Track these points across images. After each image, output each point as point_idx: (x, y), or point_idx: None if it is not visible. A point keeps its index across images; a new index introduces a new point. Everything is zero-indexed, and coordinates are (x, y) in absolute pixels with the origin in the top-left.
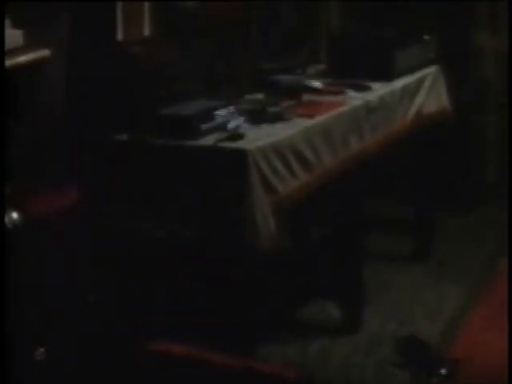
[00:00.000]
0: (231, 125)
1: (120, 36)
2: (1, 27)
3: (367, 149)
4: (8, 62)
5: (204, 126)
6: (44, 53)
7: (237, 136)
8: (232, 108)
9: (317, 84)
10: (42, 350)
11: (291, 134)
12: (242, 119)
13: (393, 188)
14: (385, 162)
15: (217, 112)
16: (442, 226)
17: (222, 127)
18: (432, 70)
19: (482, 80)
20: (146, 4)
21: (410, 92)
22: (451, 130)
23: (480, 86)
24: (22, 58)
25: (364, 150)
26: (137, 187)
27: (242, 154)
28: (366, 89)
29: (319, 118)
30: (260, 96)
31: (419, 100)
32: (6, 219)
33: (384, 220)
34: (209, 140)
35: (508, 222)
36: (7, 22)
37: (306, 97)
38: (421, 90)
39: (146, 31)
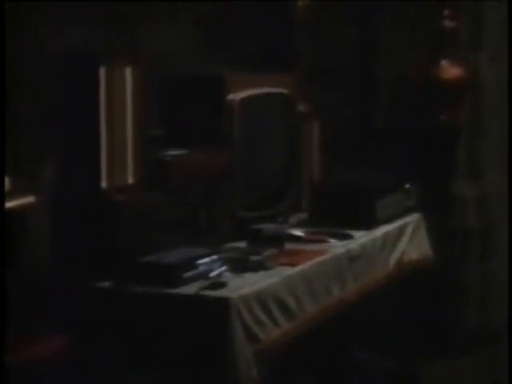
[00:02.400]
0: (214, 273)
1: (104, 183)
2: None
3: (350, 297)
4: None
5: (186, 275)
6: (29, 199)
7: (219, 284)
8: (214, 256)
9: (298, 233)
10: None
11: (273, 283)
12: (224, 268)
13: (376, 338)
14: (367, 311)
15: (199, 260)
16: (427, 375)
17: (204, 275)
18: (413, 217)
19: (463, 228)
20: (130, 152)
21: (391, 240)
22: (434, 277)
23: (461, 234)
24: (8, 205)
25: (346, 298)
26: (119, 335)
27: (224, 302)
28: (348, 237)
29: (301, 267)
30: (242, 245)
31: (400, 248)
32: None
33: (369, 371)
34: (191, 288)
35: None
36: None
37: (288, 245)
38: (402, 238)
39: (130, 179)
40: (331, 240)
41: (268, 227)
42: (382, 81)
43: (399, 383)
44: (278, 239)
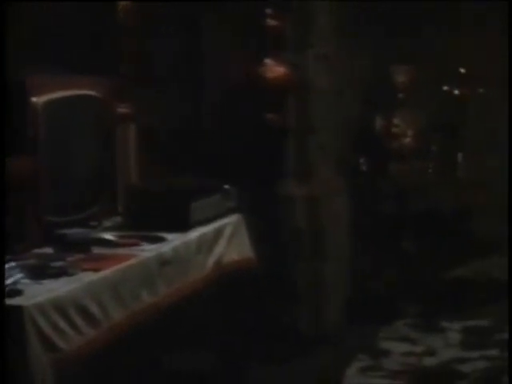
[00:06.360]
0: (9, 281)
1: None
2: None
3: (162, 301)
4: None
5: None
6: None
7: (14, 292)
8: (12, 263)
9: (109, 237)
10: None
11: (73, 289)
12: (21, 275)
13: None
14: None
15: None
16: (258, 379)
17: None
18: (233, 219)
19: (292, 228)
20: None
21: (207, 242)
22: (262, 278)
23: (291, 234)
24: None
25: (158, 302)
26: None
27: (17, 310)
28: (160, 240)
29: (105, 272)
30: (49, 250)
31: (218, 250)
32: None
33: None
34: None
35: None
36: None
37: (97, 250)
38: (220, 240)
39: None
40: (143, 244)
41: (74, 232)
42: (207, 82)
43: None
44: (85, 244)
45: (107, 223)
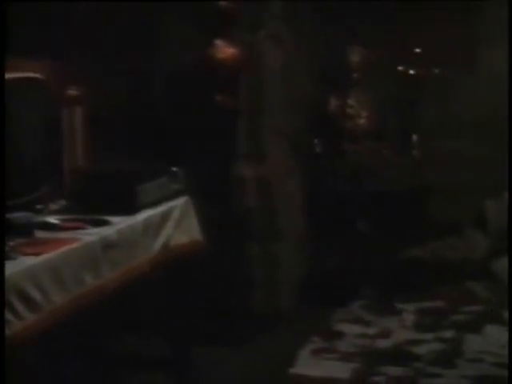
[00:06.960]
0: None
1: None
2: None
3: (107, 285)
4: None
5: None
6: None
7: None
8: None
9: (53, 220)
10: None
11: (12, 274)
12: None
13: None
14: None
15: None
16: (212, 362)
17: None
18: (181, 201)
19: (244, 210)
20: None
21: (154, 225)
22: (217, 259)
23: (242, 215)
24: None
25: (102, 286)
26: None
27: None
28: (105, 224)
29: (46, 256)
30: None
31: (166, 232)
32: None
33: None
34: None
35: None
36: None
37: (40, 234)
38: (168, 223)
39: None
40: (88, 227)
41: (17, 216)
42: (157, 63)
43: (176, 372)
44: (28, 228)
45: (53, 206)
